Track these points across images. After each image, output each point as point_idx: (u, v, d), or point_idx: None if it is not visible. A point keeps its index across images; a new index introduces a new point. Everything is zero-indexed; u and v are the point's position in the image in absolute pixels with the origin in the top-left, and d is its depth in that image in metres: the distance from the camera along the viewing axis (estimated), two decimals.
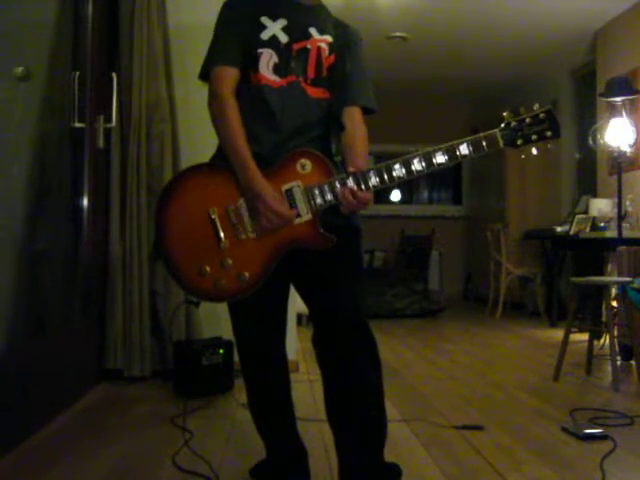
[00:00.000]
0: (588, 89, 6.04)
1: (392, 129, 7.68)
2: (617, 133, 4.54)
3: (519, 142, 1.54)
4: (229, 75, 1.62)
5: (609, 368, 3.28)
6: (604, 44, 5.43)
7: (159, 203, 1.59)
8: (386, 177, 1.53)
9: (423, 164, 1.52)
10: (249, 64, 1.63)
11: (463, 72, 6.87)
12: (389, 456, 1.67)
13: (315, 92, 1.65)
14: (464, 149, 1.52)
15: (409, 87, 7.46)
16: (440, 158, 1.52)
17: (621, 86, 4.46)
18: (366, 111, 1.75)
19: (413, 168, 1.52)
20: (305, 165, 1.54)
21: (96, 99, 2.98)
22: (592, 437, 2.28)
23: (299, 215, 1.54)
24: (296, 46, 1.64)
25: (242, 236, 1.54)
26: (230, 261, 1.53)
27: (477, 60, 6.43)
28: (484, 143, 1.52)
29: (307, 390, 3.02)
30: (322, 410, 2.56)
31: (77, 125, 2.81)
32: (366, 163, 1.61)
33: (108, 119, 3.03)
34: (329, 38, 1.69)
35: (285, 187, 1.53)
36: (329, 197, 1.53)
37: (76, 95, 2.76)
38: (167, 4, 3.31)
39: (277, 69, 1.62)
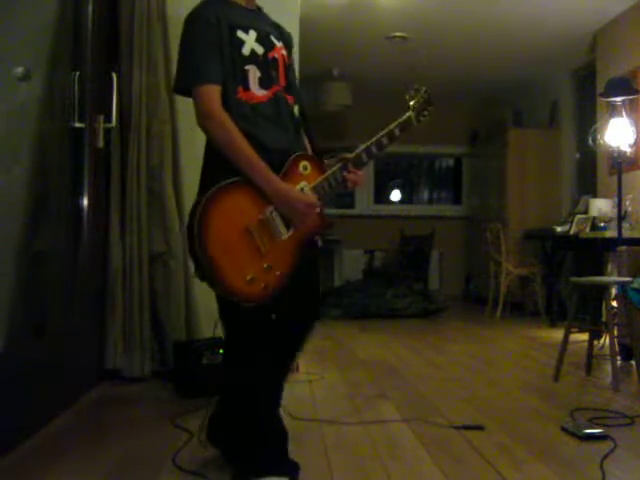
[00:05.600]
0: (588, 89, 6.04)
1: None
2: (617, 133, 4.53)
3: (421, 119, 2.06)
4: (217, 93, 1.69)
5: (609, 368, 3.28)
6: (604, 44, 5.43)
7: (196, 232, 1.63)
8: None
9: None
10: (239, 81, 1.71)
11: (463, 72, 6.86)
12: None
13: (291, 99, 1.85)
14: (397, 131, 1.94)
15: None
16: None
17: (621, 86, 4.45)
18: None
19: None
20: (306, 166, 1.79)
21: (96, 99, 2.98)
22: (592, 437, 2.28)
23: None
24: (269, 56, 1.77)
25: (277, 239, 1.71)
26: (271, 264, 1.70)
27: (477, 60, 6.43)
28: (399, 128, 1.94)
29: (307, 390, 3.01)
30: (322, 410, 2.57)
31: (77, 125, 2.80)
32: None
33: (108, 119, 3.02)
34: (282, 43, 1.85)
35: (297, 188, 1.76)
36: (327, 188, 1.82)
37: (76, 95, 2.75)
38: (167, 1, 3.30)
39: (262, 83, 1.75)
